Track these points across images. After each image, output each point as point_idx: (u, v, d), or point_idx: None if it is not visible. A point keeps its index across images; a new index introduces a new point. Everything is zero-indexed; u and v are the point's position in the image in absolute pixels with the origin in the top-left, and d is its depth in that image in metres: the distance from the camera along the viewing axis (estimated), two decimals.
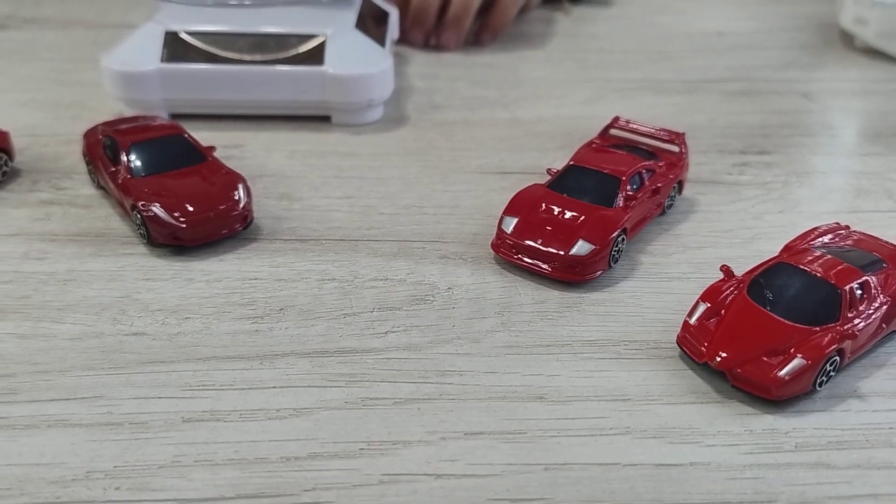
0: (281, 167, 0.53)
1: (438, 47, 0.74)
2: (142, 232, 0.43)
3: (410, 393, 0.34)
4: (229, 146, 0.55)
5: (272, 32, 0.57)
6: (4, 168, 0.49)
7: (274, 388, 0.34)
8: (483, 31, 0.75)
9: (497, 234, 0.43)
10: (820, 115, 0.64)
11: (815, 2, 0.90)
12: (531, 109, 0.63)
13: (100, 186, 0.48)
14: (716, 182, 0.52)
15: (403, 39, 0.73)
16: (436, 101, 0.64)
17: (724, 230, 0.47)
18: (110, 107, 0.60)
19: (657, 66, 0.73)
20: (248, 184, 0.45)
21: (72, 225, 0.45)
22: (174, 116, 0.58)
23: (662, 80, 0.69)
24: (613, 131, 0.51)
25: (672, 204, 0.48)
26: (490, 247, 0.44)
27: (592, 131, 0.59)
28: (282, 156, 0.54)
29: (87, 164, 0.49)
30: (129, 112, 0.58)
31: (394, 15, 0.69)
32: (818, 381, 0.34)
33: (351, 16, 0.60)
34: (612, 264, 0.42)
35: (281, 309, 0.39)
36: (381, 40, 0.62)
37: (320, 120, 0.59)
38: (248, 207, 0.44)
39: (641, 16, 0.87)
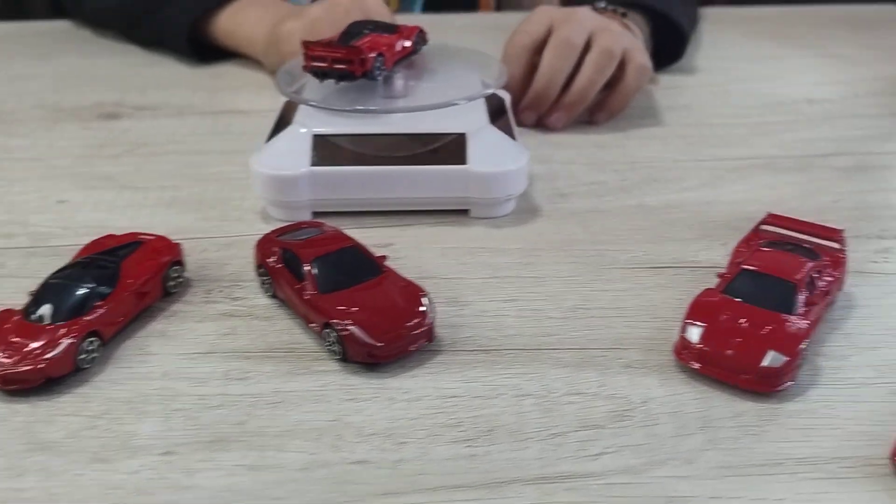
0: (437, 268, 0.54)
1: (544, 126, 0.75)
2: (335, 349, 0.44)
3: None
4: (379, 245, 0.56)
5: (414, 132, 0.59)
6: (179, 279, 0.51)
7: None
8: (599, 112, 0.76)
9: (681, 342, 0.44)
10: None
11: (892, 63, 0.92)
12: (655, 195, 0.64)
13: (274, 296, 0.50)
14: (864, 272, 0.53)
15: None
16: (560, 188, 0.65)
17: (892, 327, 0.48)
18: (252, 205, 0.62)
19: (762, 141, 0.74)
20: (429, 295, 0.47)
21: (259, 340, 0.47)
22: (316, 215, 0.59)
23: (773, 157, 0.71)
24: (767, 227, 0.52)
25: (834, 301, 0.49)
26: (672, 353, 0.45)
27: (725, 217, 0.60)
28: (434, 254, 0.56)
29: (261, 274, 0.51)
30: (274, 212, 0.60)
31: (507, 101, 0.71)
32: None
33: (483, 111, 0.62)
34: None
35: (490, 430, 0.40)
36: (509, 131, 0.63)
37: (458, 213, 0.60)
38: (433, 321, 0.45)
39: (727, 84, 0.88)
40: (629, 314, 0.49)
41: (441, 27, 0.76)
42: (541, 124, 0.76)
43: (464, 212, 0.61)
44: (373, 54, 0.60)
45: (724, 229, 0.58)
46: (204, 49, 0.93)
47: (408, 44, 0.65)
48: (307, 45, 0.61)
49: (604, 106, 0.77)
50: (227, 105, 0.82)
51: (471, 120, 0.60)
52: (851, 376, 0.44)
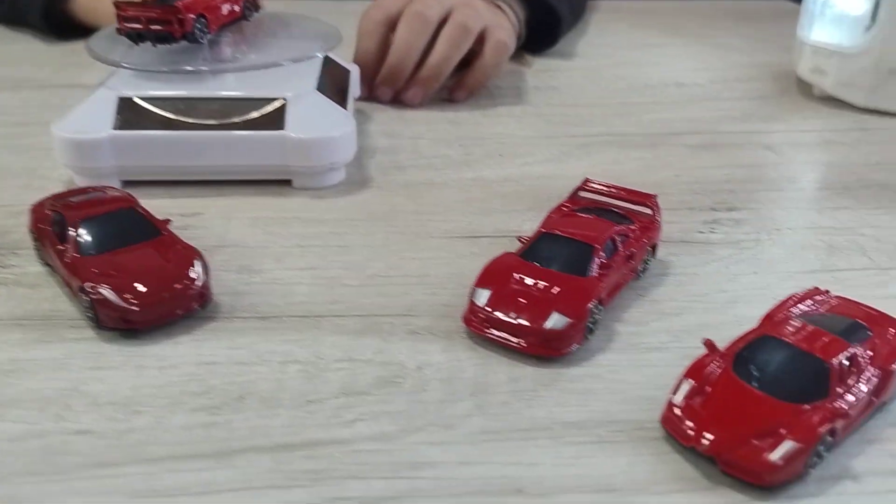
0: (241, 237, 0.50)
1: (401, 102, 0.73)
2: (90, 315, 0.40)
3: (381, 491, 0.32)
4: (186, 214, 0.52)
5: (230, 97, 0.56)
6: None
7: (231, 490, 0.32)
8: (458, 90, 0.74)
9: (468, 307, 0.41)
10: (785, 167, 0.63)
11: (768, 51, 0.92)
12: (496, 168, 0.62)
13: (47, 264, 0.46)
14: (687, 241, 0.51)
15: (371, 96, 0.72)
16: (399, 161, 0.62)
17: (700, 294, 0.46)
18: (60, 174, 0.57)
19: (620, 120, 0.72)
20: (206, 258, 0.43)
21: (17, 307, 0.42)
22: (128, 184, 0.55)
23: (626, 135, 0.69)
24: (583, 193, 0.50)
25: (646, 268, 0.47)
26: (462, 321, 0.42)
27: (559, 191, 0.58)
28: (242, 224, 0.52)
29: (34, 240, 0.46)
30: (79, 180, 0.56)
31: (354, 73, 0.68)
32: (810, 462, 0.32)
33: (312, 78, 0.59)
34: (588, 336, 0.41)
35: (240, 397, 0.37)
36: (342, 101, 0.60)
37: (281, 184, 0.57)
38: (205, 285, 0.42)
39: (602, 68, 0.87)
40: (432, 282, 0.46)
41: (341, 13, 0.73)
42: (397, 100, 0.73)
43: (288, 182, 0.57)
44: (192, 15, 0.57)
45: (556, 201, 0.56)
46: (66, 26, 0.89)
47: (236, 8, 0.62)
48: (119, 5, 0.57)
49: (462, 83, 0.74)
50: (71, 80, 0.77)
51: (294, 85, 0.57)
52: (646, 341, 0.41)
